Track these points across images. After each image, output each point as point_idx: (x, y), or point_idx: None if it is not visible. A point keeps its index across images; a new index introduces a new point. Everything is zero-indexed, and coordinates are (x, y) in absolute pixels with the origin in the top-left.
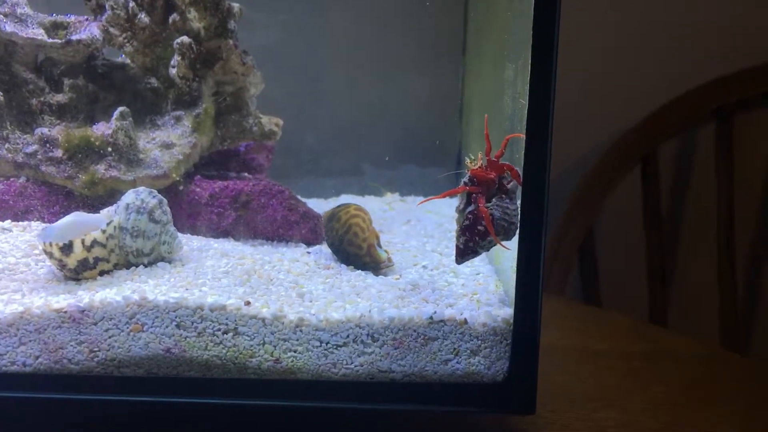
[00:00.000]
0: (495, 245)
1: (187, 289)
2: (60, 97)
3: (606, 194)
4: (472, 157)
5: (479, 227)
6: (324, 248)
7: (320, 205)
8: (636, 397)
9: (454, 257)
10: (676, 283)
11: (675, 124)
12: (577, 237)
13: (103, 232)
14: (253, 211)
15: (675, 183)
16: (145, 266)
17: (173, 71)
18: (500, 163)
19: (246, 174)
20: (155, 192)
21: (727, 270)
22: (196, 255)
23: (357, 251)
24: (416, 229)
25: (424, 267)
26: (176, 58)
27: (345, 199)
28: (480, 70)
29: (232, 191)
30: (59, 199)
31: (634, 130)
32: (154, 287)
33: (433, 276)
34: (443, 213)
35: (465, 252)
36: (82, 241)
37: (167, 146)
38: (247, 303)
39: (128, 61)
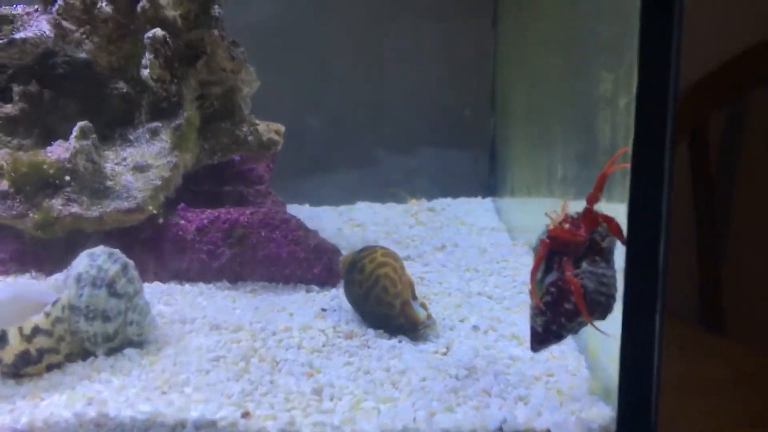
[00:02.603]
0: (586, 325)
1: (163, 393)
2: (9, 109)
3: None
4: (553, 211)
5: (566, 305)
6: (343, 299)
7: (331, 216)
8: None
9: (529, 343)
10: (728, 268)
11: (725, 92)
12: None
13: (47, 315)
14: (252, 247)
15: (726, 156)
16: (108, 355)
17: (145, 72)
18: (594, 213)
19: (243, 188)
20: (117, 254)
21: None
22: (177, 331)
23: (388, 311)
24: (454, 257)
25: (475, 328)
26: (148, 56)
27: (361, 207)
28: (524, 46)
29: (225, 222)
30: (8, 245)
31: (681, 100)
32: (118, 391)
33: (489, 346)
34: (480, 224)
35: (545, 337)
36: (20, 330)
37: (141, 169)
38: (246, 414)
39: None
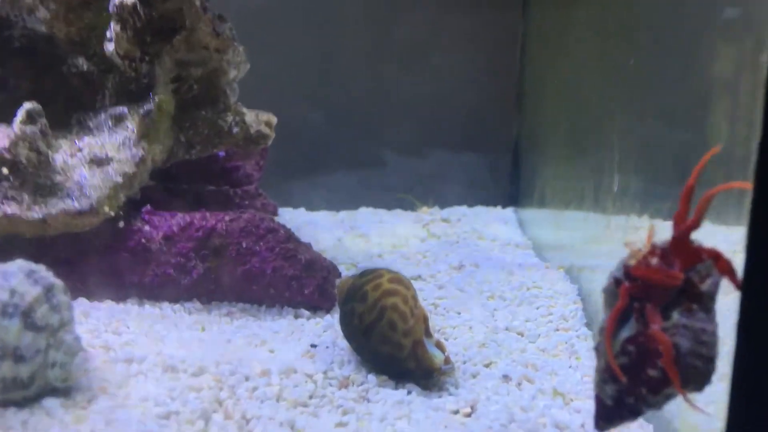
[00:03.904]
0: (675, 397)
1: None
2: None
3: None
4: (635, 242)
5: (650, 370)
6: (338, 332)
7: (330, 222)
8: None
9: (593, 420)
10: None
11: None
12: None
13: None
14: (231, 260)
15: None
16: (20, 407)
17: (110, 47)
18: (692, 245)
19: (229, 188)
20: (40, 272)
21: None
22: (121, 373)
23: (395, 352)
24: (475, 280)
25: (506, 378)
26: (114, 28)
27: (364, 213)
28: (565, 31)
29: (198, 230)
30: None
31: None
32: None
33: (527, 407)
34: (502, 238)
35: (617, 413)
36: None
37: (100, 162)
38: None
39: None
